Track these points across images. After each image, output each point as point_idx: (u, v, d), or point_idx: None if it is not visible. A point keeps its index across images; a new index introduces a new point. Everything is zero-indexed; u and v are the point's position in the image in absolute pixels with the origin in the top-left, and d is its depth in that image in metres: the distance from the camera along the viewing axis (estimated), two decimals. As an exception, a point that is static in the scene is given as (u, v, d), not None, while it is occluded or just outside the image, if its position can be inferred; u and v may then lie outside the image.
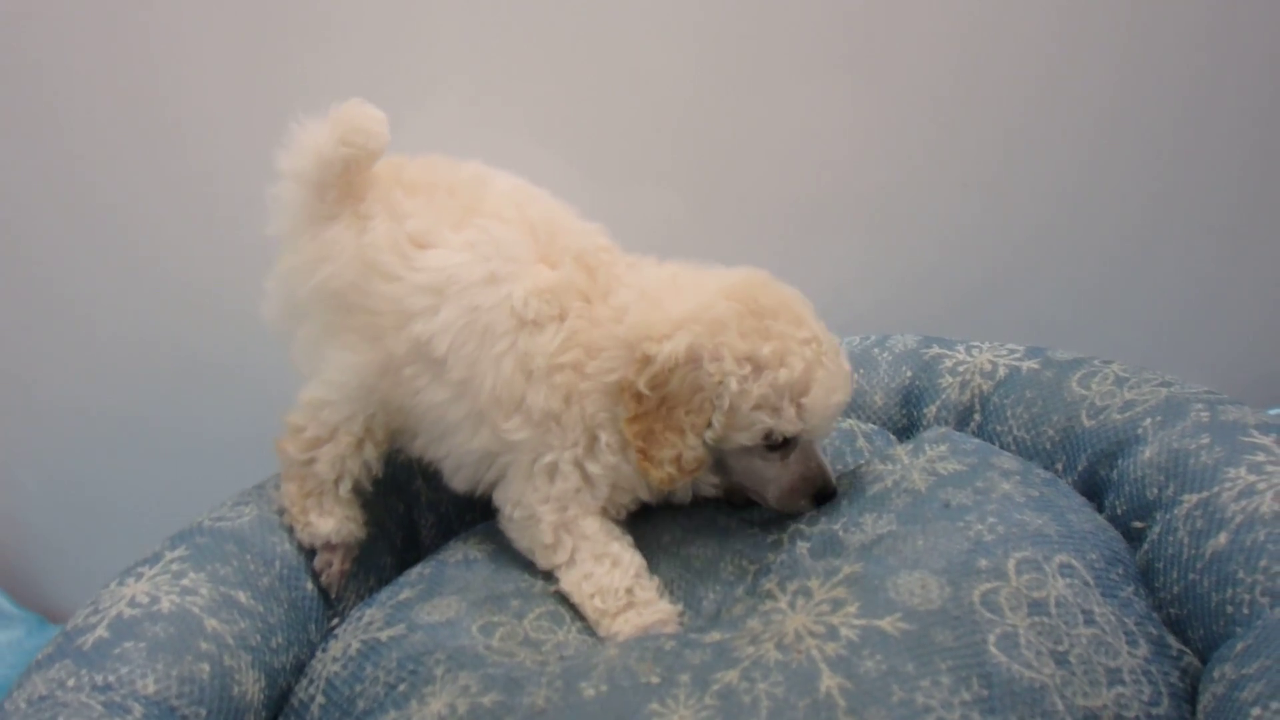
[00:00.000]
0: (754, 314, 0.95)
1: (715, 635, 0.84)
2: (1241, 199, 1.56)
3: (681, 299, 0.97)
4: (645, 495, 1.04)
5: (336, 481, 1.07)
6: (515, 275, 0.98)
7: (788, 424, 0.95)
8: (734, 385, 0.93)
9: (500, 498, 1.03)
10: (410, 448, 1.09)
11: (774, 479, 1.00)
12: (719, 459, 1.01)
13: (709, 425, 0.95)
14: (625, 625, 0.94)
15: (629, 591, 0.96)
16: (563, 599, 0.99)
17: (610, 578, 0.97)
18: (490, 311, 0.98)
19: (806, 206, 1.52)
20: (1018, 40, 1.44)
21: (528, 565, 1.03)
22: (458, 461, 1.04)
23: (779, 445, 0.98)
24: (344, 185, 1.00)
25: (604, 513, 1.02)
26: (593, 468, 0.99)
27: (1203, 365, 1.58)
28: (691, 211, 1.48)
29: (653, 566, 1.01)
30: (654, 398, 0.94)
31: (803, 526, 0.99)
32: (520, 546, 1.03)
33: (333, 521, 1.06)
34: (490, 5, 1.38)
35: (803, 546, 0.96)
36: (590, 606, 0.96)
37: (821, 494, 1.01)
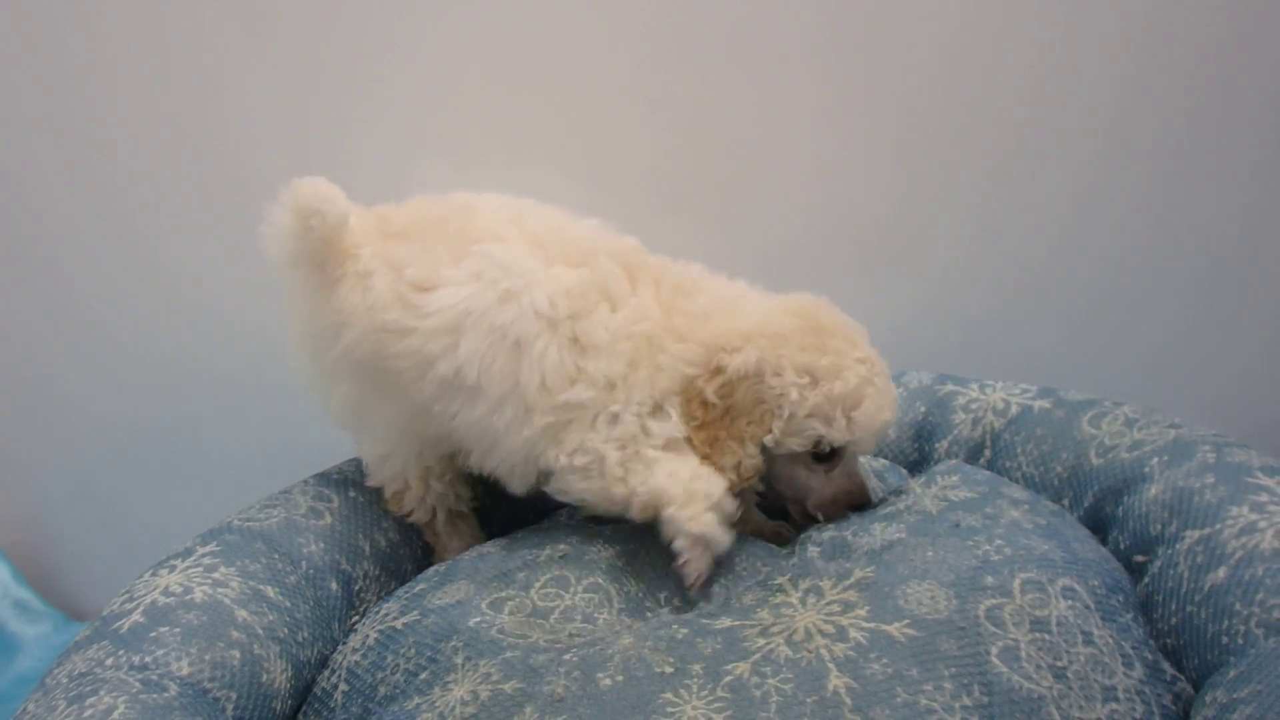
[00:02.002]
0: (814, 330, 1.00)
1: (726, 621, 0.86)
2: (1258, 237, 1.56)
3: (749, 312, 1.03)
4: None
5: (434, 520, 1.15)
6: (531, 285, 0.99)
7: (838, 434, 0.99)
8: (794, 395, 0.98)
9: (555, 454, 1.01)
10: (468, 465, 1.10)
11: (816, 489, 1.04)
12: (767, 467, 1.03)
13: (769, 432, 0.99)
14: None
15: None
16: (569, 563, 0.98)
17: (692, 463, 0.98)
18: (515, 325, 0.98)
19: (816, 240, 1.55)
20: (1020, 72, 1.46)
21: (538, 542, 1.03)
22: (510, 465, 1.04)
23: (825, 457, 1.02)
24: (334, 253, 1.02)
25: None
26: (653, 425, 0.99)
27: (1209, 406, 1.55)
28: (698, 244, 1.50)
29: (666, 565, 1.00)
30: (720, 407, 0.98)
31: (812, 533, 1.01)
32: (581, 491, 1.01)
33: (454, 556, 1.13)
34: (509, 43, 1.43)
35: (814, 550, 0.98)
36: (684, 490, 0.96)
37: (860, 507, 1.04)
